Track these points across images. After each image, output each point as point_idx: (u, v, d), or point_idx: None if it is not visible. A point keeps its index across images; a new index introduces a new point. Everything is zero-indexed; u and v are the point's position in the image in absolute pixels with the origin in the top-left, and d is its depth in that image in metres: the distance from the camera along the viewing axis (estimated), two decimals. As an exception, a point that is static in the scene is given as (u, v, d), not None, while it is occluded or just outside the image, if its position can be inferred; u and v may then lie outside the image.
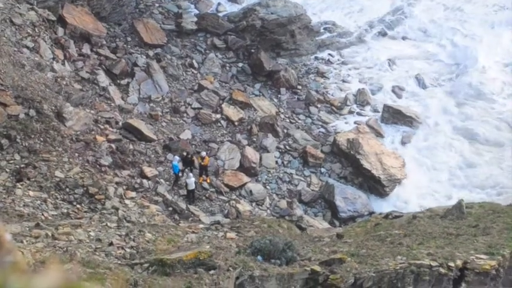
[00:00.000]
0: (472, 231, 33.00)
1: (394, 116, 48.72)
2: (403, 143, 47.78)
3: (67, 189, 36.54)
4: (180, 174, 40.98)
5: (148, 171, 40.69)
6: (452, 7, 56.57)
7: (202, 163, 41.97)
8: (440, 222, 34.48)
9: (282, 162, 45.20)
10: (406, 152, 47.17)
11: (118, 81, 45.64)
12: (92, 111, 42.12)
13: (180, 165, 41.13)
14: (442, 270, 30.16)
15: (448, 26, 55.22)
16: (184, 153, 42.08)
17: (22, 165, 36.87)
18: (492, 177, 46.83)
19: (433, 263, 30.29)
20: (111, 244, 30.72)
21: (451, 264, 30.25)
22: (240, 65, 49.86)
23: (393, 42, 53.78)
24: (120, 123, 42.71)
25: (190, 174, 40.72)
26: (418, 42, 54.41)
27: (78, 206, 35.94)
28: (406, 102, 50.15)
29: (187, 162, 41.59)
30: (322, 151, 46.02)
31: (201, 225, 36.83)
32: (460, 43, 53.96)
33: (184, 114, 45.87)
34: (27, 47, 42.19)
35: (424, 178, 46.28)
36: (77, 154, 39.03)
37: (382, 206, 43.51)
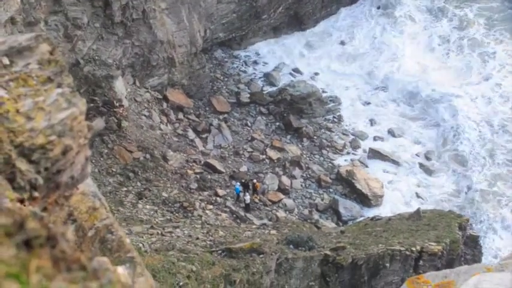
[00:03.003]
0: (426, 227, 32.98)
1: (375, 155, 48.67)
2: (384, 171, 47.67)
3: (169, 204, 36.81)
4: (241, 193, 40.86)
5: (220, 192, 40.70)
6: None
7: (255, 186, 42.09)
8: (406, 222, 34.47)
9: (305, 185, 44.95)
10: (385, 177, 46.99)
11: (201, 135, 45.75)
12: (184, 155, 42.31)
13: (240, 188, 40.95)
14: (408, 253, 30.27)
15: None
16: (243, 180, 42.03)
17: (142, 189, 37.27)
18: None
19: (402, 248, 30.38)
20: (197, 238, 30.97)
21: (413, 248, 30.35)
22: (277, 124, 49.56)
23: (374, 107, 53.38)
24: (202, 162, 42.81)
25: (247, 194, 40.63)
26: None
27: (176, 214, 36.11)
28: (383, 145, 49.84)
29: (245, 186, 41.42)
30: (330, 178, 45.74)
31: (254, 226, 37.00)
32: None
33: (242, 156, 45.79)
34: (144, 115, 42.71)
35: (396, 194, 46.15)
36: (175, 182, 39.32)
37: (369, 212, 43.21)
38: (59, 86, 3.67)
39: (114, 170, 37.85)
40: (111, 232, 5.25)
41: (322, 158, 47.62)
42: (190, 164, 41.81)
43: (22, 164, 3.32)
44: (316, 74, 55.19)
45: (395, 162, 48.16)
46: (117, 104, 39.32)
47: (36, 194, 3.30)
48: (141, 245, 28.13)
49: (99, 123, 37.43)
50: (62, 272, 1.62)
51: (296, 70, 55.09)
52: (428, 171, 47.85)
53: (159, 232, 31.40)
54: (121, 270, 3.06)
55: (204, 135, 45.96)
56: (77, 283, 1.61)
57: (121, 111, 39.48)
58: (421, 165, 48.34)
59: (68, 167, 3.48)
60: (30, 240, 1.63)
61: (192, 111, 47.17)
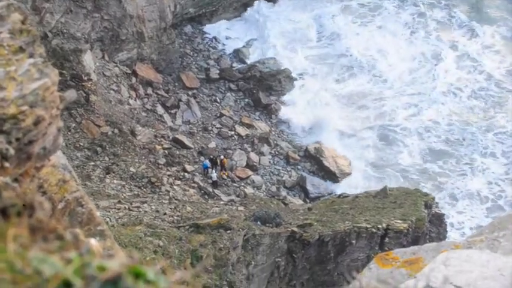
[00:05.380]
0: (392, 205, 33.32)
1: (343, 132, 48.55)
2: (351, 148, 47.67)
3: (137, 179, 36.70)
4: (209, 169, 40.88)
5: (188, 167, 40.64)
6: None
7: (222, 162, 42.11)
8: (372, 200, 34.79)
9: (273, 162, 45.01)
10: (353, 155, 47.03)
11: (169, 110, 45.53)
12: (153, 130, 42.15)
13: (208, 164, 40.97)
14: (374, 230, 30.65)
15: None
16: (211, 156, 42.02)
17: (109, 164, 37.12)
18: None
19: (368, 226, 30.76)
20: (165, 214, 31.12)
21: (379, 226, 30.73)
22: (246, 100, 49.42)
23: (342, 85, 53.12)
24: (171, 137, 42.70)
25: (213, 171, 40.67)
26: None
27: (144, 189, 36.05)
28: (350, 123, 49.72)
29: (213, 162, 41.47)
30: (298, 155, 45.81)
31: (222, 202, 37.16)
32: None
33: (211, 132, 45.68)
34: (113, 90, 42.38)
35: (363, 172, 46.36)
36: (143, 157, 39.15)
37: (336, 190, 43.51)
38: (31, 56, 3.61)
39: (81, 144, 37.60)
40: (81, 205, 5.21)
41: (290, 135, 47.55)
42: (159, 140, 41.67)
43: (-7, 134, 3.26)
44: (287, 50, 54.95)
45: (362, 139, 48.34)
46: (86, 78, 38.99)
47: (7, 164, 3.25)
48: (108, 219, 28.08)
49: (71, 94, 36.78)
50: (38, 241, 1.59)
51: (266, 47, 54.81)
52: (391, 145, 47.89)
53: (127, 207, 31.39)
54: (93, 242, 3.04)
55: (172, 111, 45.73)
56: (54, 252, 1.59)
57: (89, 85, 39.16)
58: (384, 138, 48.40)
59: (40, 138, 3.43)
60: (6, 209, 1.60)
61: (161, 86, 46.83)
